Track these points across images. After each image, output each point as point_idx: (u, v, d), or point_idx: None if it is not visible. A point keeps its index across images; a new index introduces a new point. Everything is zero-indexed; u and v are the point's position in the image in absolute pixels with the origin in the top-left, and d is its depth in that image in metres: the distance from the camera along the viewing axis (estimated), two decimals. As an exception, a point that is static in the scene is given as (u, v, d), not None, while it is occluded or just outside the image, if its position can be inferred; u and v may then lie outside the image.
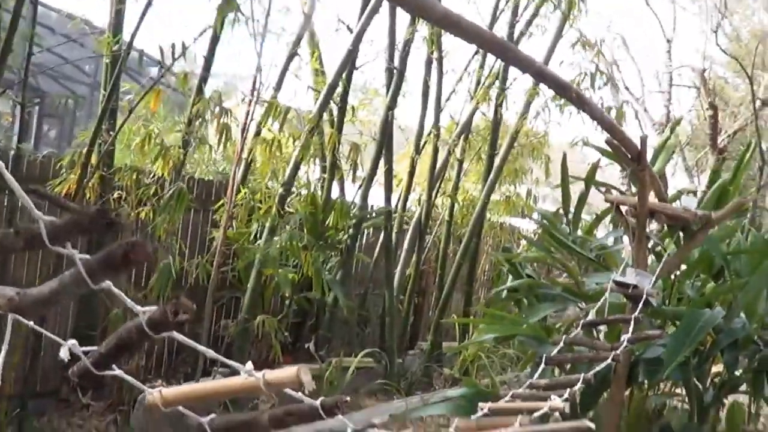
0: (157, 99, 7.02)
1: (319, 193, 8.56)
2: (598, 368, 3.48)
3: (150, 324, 1.12)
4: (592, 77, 9.08)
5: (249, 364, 1.29)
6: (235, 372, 1.37)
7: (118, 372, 1.47)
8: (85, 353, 1.34)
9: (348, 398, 1.43)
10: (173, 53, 6.73)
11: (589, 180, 5.67)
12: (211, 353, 1.48)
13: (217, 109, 7.05)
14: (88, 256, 1.05)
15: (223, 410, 6.30)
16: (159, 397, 1.45)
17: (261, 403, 6.98)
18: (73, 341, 1.36)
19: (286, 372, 1.26)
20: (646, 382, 4.55)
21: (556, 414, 2.80)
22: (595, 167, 5.76)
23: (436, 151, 9.60)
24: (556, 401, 2.81)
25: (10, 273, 6.26)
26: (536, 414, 2.68)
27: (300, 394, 1.40)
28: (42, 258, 6.44)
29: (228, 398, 5.43)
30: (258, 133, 7.62)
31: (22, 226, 1.05)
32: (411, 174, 9.55)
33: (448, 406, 4.50)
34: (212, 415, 1.60)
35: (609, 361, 3.48)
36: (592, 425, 2.95)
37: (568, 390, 3.11)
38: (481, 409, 2.85)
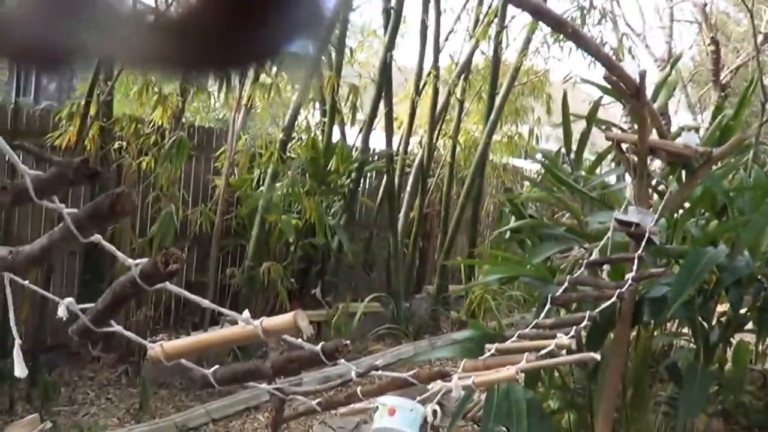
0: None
1: (320, 137, 8.50)
2: (603, 306, 3.48)
3: (142, 276, 1.11)
4: (582, 13, 8.95)
5: (246, 313, 1.28)
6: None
7: (117, 328, 1.46)
8: (83, 311, 1.34)
9: (348, 342, 1.42)
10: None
11: (591, 118, 5.60)
12: (206, 303, 1.47)
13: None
14: (75, 210, 1.04)
15: (233, 360, 6.34)
16: (161, 351, 1.45)
17: (270, 351, 7.02)
18: (70, 299, 1.35)
19: (284, 318, 1.25)
20: (652, 321, 4.54)
21: (563, 352, 2.81)
22: (596, 105, 5.69)
23: (436, 92, 9.51)
24: (562, 338, 2.83)
25: (14, 232, 6.26)
26: (543, 351, 2.70)
27: (299, 340, 1.39)
28: (46, 214, 6.43)
29: (229, 347, 5.45)
30: (256, 79, 7.54)
31: (8, 182, 1.04)
32: (412, 116, 9.48)
33: (456, 349, 4.51)
34: (216, 367, 1.60)
35: (614, 299, 3.48)
36: (597, 356, 2.97)
37: (574, 328, 3.13)
38: (488, 350, 2.87)
